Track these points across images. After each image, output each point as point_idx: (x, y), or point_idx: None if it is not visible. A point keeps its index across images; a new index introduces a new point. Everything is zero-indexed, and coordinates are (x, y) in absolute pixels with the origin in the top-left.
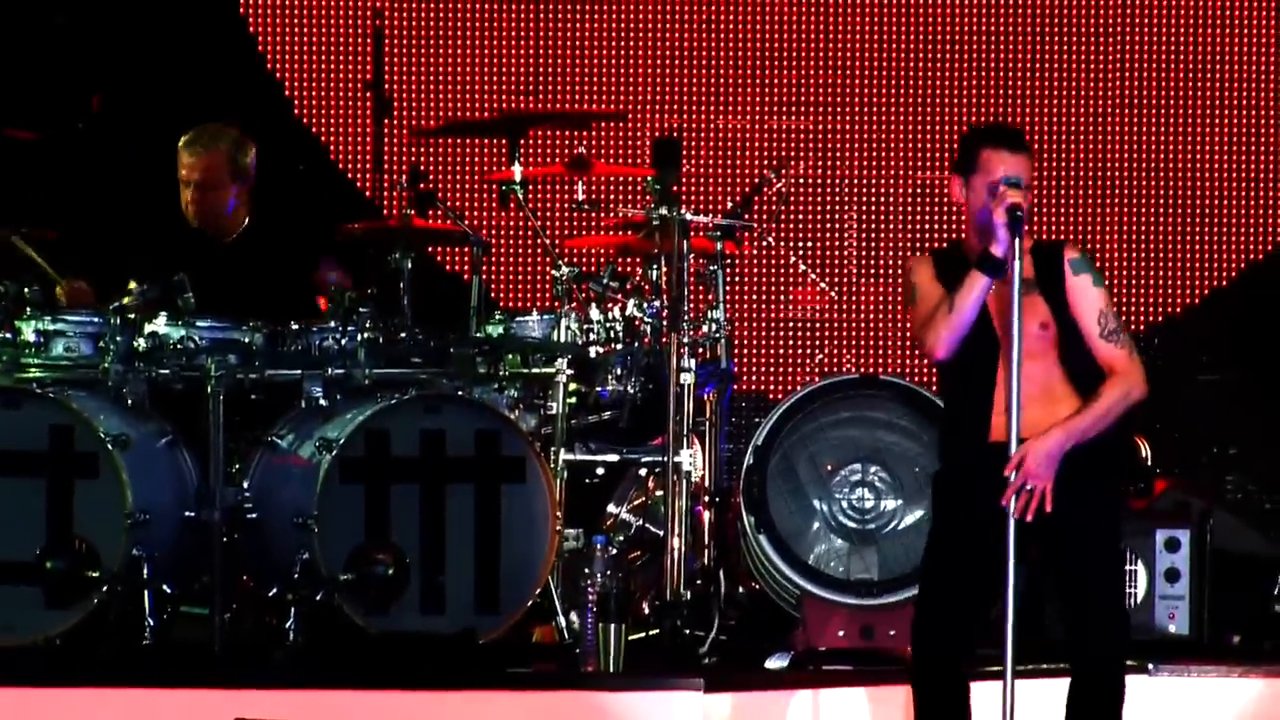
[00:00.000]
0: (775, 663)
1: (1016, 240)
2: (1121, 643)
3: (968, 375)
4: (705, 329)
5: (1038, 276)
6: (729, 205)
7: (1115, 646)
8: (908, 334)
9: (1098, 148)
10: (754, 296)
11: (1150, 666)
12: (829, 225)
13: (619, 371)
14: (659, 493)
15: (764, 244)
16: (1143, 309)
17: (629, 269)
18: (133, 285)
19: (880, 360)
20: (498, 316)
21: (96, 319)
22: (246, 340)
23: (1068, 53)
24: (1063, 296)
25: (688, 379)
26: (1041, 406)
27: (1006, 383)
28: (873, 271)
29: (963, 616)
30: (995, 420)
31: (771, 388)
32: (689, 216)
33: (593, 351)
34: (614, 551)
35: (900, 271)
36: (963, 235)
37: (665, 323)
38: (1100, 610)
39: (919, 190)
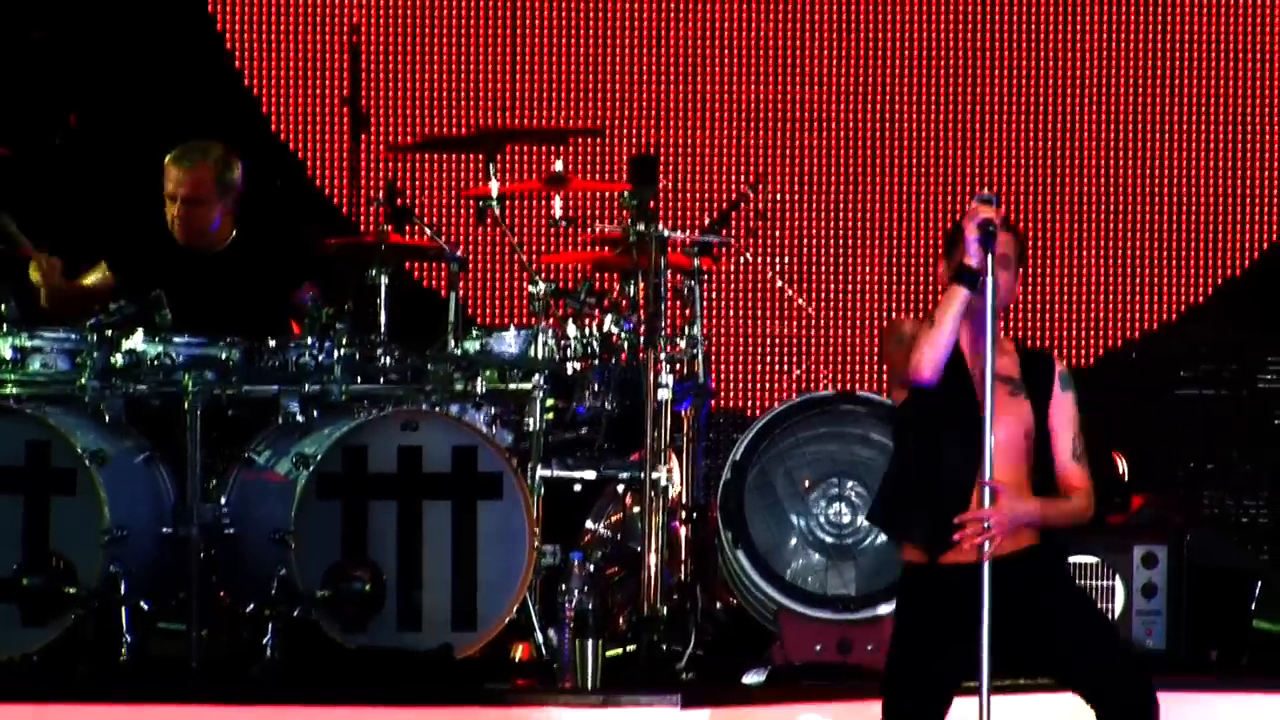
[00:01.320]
0: (752, 678)
1: (989, 255)
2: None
3: (945, 459)
4: (682, 345)
5: (1025, 380)
6: (706, 221)
7: (1148, 692)
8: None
9: (1078, 162)
10: (731, 312)
11: None
12: (806, 241)
13: (596, 388)
14: (636, 509)
15: (741, 260)
16: (1121, 324)
17: (606, 285)
18: (97, 271)
19: (857, 376)
20: (475, 333)
21: (74, 335)
22: (224, 356)
23: (1050, 69)
24: (1046, 407)
25: (665, 395)
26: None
27: (979, 451)
28: (850, 288)
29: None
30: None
31: (749, 404)
32: (666, 233)
33: (570, 368)
34: (591, 568)
35: (874, 286)
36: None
37: (642, 339)
38: (1125, 669)
39: (897, 206)
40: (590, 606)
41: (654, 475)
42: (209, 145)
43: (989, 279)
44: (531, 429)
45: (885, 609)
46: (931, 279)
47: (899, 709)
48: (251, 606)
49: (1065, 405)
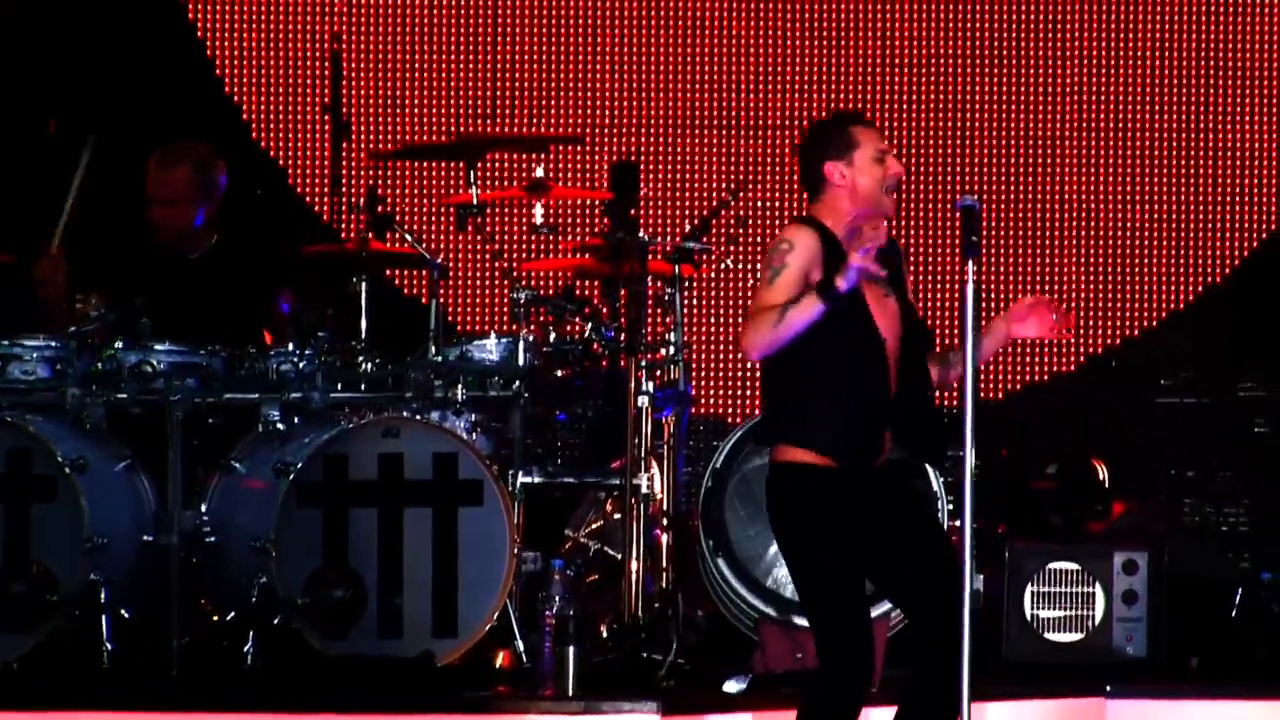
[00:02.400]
0: (733, 686)
1: (972, 247)
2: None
3: (852, 383)
4: (663, 352)
5: (890, 278)
6: (686, 228)
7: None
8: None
9: (1060, 168)
10: (712, 319)
11: (1108, 689)
12: None
13: (577, 395)
14: (617, 516)
15: (722, 267)
16: (1102, 331)
17: (587, 292)
18: (83, 305)
19: None
20: (456, 340)
21: (55, 343)
22: (205, 364)
23: (1033, 74)
24: (907, 294)
25: (646, 402)
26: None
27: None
28: None
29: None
30: (882, 430)
31: (730, 411)
32: (647, 239)
33: (550, 375)
34: (572, 575)
35: None
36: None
37: (623, 346)
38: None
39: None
40: (571, 614)
41: (635, 482)
42: (192, 146)
43: (969, 282)
44: (512, 436)
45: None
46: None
47: (849, 615)
48: (232, 614)
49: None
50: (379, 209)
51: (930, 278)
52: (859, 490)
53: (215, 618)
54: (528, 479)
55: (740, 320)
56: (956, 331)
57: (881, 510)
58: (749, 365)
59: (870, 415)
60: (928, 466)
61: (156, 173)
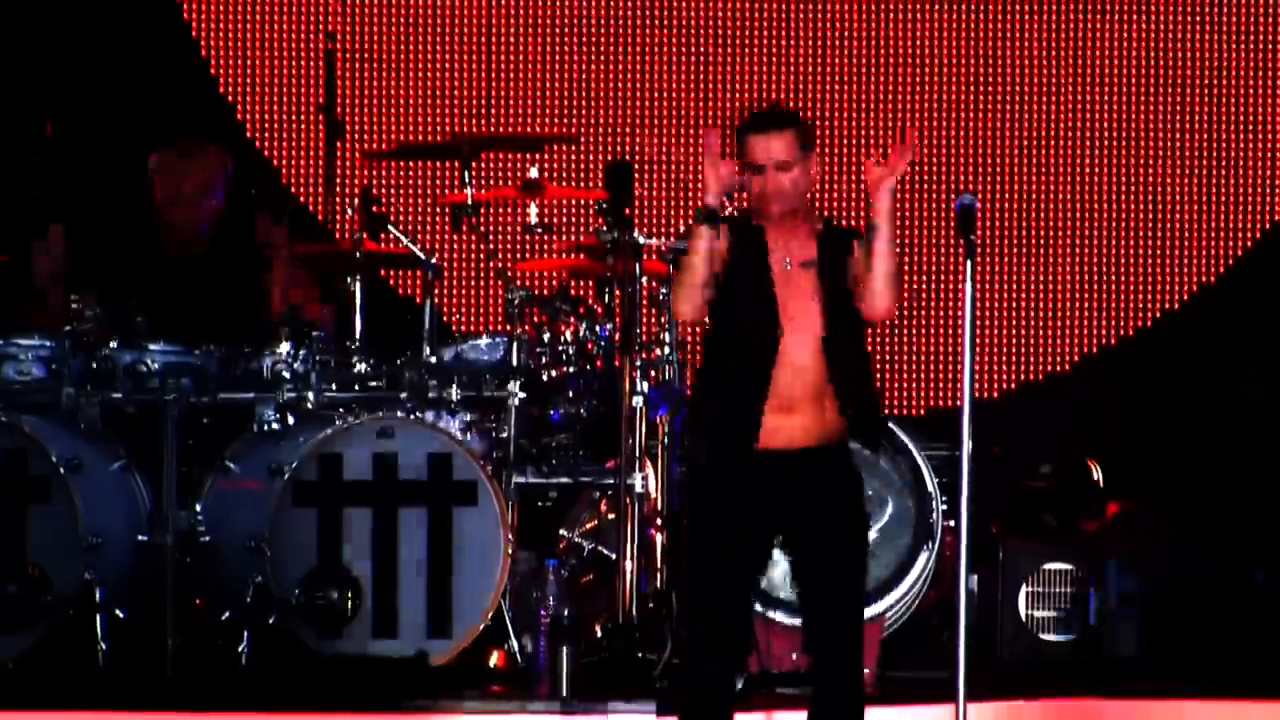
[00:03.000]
0: None
1: (968, 239)
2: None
3: (741, 364)
4: (657, 352)
5: (822, 258)
6: (681, 228)
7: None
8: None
9: (1066, 162)
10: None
11: (1102, 689)
12: None
13: (571, 394)
14: (611, 516)
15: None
16: (1100, 329)
17: (581, 292)
18: (79, 304)
19: None
20: (450, 340)
21: (50, 342)
22: (199, 364)
23: (1035, 69)
24: (841, 278)
25: (640, 402)
26: (818, 412)
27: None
28: None
29: (738, 628)
30: (767, 423)
31: None
32: (641, 240)
33: (545, 374)
34: (566, 574)
35: None
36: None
37: (617, 346)
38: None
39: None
40: (565, 613)
41: (629, 482)
42: (204, 142)
43: (968, 283)
44: (506, 436)
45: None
46: (909, 281)
47: (705, 595)
48: (227, 614)
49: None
50: (373, 209)
51: (926, 274)
52: (742, 477)
53: (210, 618)
54: (522, 479)
55: None
56: (955, 330)
57: (779, 498)
58: None
59: (746, 404)
60: (921, 463)
61: (172, 176)
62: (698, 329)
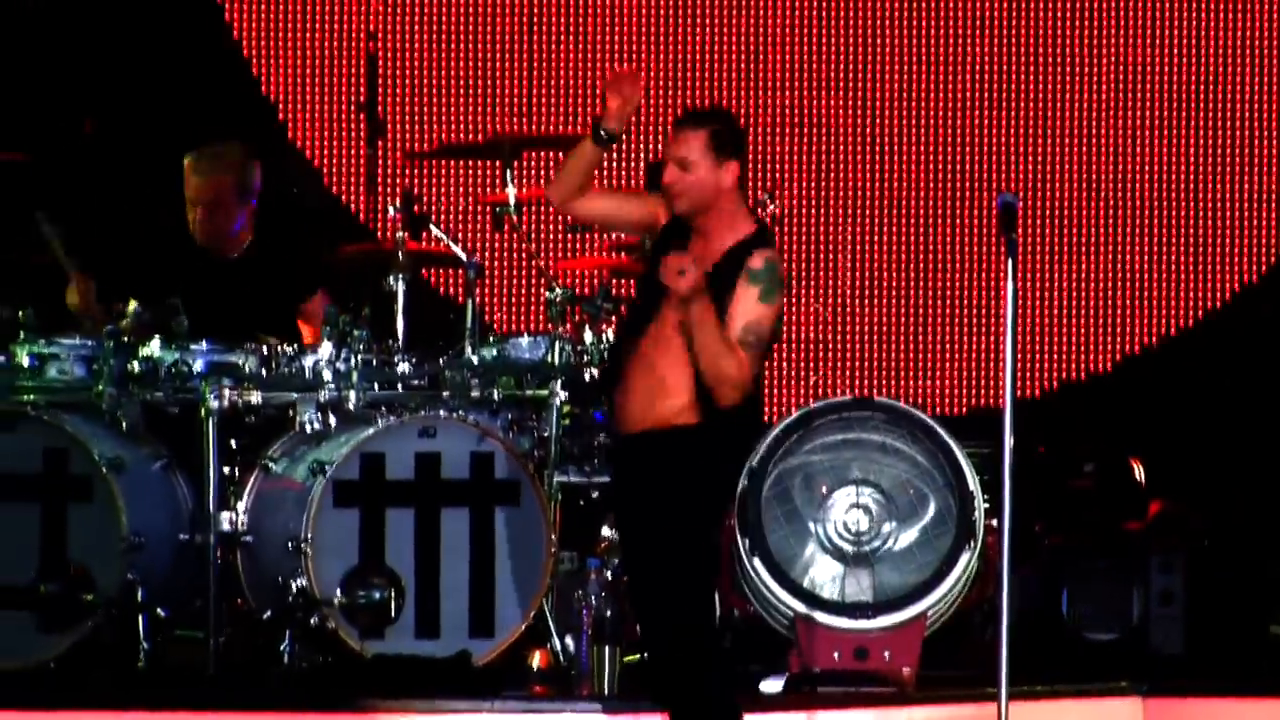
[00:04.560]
0: (770, 685)
1: (1007, 236)
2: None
3: (616, 350)
4: None
5: (716, 271)
6: None
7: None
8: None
9: (1102, 163)
10: None
11: (1145, 688)
12: (822, 247)
13: None
14: None
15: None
16: (1141, 330)
17: (623, 291)
18: (130, 307)
19: (875, 382)
20: (491, 339)
21: (91, 342)
22: (241, 363)
23: (1070, 73)
24: (725, 299)
25: None
26: (647, 398)
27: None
28: (867, 293)
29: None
30: (620, 402)
31: (766, 410)
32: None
33: (587, 374)
34: (609, 574)
35: (891, 292)
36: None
37: None
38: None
39: (911, 211)
40: (608, 613)
41: None
42: (228, 147)
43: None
44: (549, 435)
45: (904, 616)
46: (951, 281)
47: None
48: (269, 614)
49: (742, 297)
50: (415, 208)
51: (967, 274)
52: (614, 463)
53: (252, 617)
54: (564, 478)
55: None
56: (997, 329)
57: (616, 480)
58: (784, 364)
59: (612, 392)
60: (963, 462)
61: (194, 177)
62: None
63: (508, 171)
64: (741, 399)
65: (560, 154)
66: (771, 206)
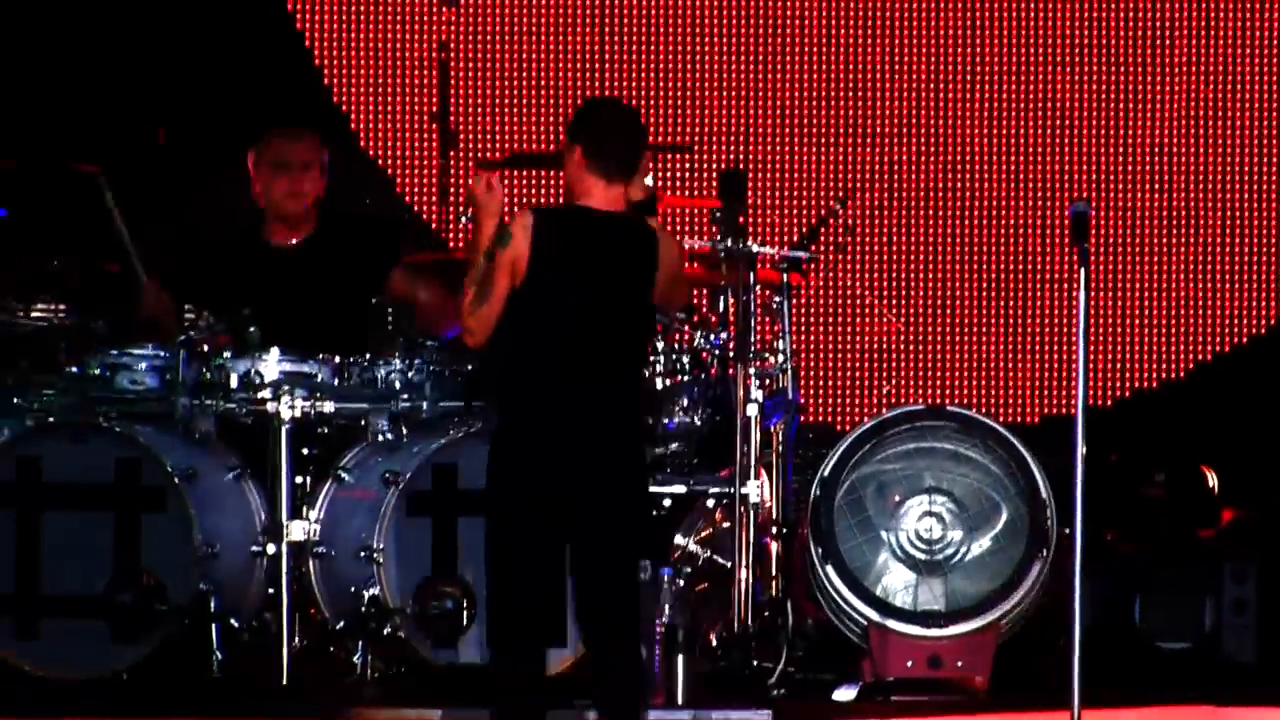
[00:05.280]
0: (843, 694)
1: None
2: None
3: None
4: (772, 360)
5: None
6: (795, 237)
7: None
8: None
9: (1168, 173)
10: (820, 328)
11: (1218, 698)
12: (895, 255)
13: (686, 403)
14: (726, 524)
15: (830, 274)
16: (1213, 336)
17: (696, 300)
18: (198, 317)
19: (947, 390)
20: None
21: (164, 352)
22: (313, 373)
23: (1144, 79)
24: None
25: (754, 410)
26: None
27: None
28: (939, 301)
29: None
30: None
31: (838, 419)
32: (755, 248)
33: (659, 383)
34: (681, 583)
35: (963, 301)
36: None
37: (732, 354)
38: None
39: (985, 219)
40: (680, 622)
41: (744, 491)
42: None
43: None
44: None
45: (976, 624)
46: (1024, 288)
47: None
48: (341, 624)
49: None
50: None
51: (1040, 282)
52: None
53: (324, 627)
54: None
55: (849, 327)
56: (1069, 337)
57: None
58: (857, 373)
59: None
60: (1035, 470)
61: (281, 141)
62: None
63: None
64: (473, 341)
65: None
66: (845, 215)
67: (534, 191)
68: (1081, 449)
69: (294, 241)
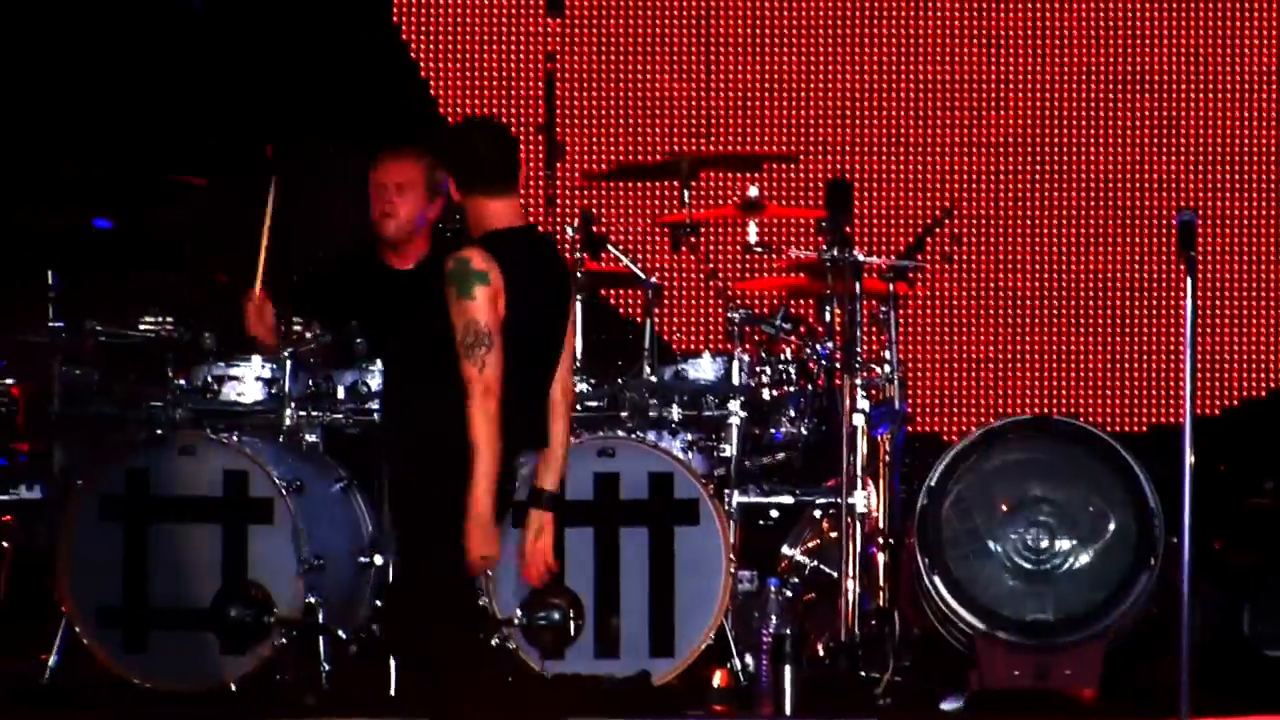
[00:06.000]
0: (950, 704)
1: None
2: None
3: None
4: (878, 370)
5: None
6: (901, 246)
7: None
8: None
9: (1274, 179)
10: (927, 337)
11: None
12: (1002, 265)
13: (792, 413)
14: (833, 534)
15: (937, 284)
16: None
17: (802, 311)
18: (305, 329)
19: (1054, 400)
20: (671, 359)
21: (271, 365)
22: None
23: (1265, 76)
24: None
25: (861, 420)
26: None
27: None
28: (1046, 311)
29: None
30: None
31: (945, 428)
32: (861, 258)
33: (766, 394)
34: (788, 593)
35: (1070, 310)
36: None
37: (838, 364)
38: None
39: (1093, 228)
40: (787, 632)
41: (850, 501)
42: (418, 147)
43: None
44: (728, 455)
45: (1083, 634)
46: (1130, 297)
47: None
48: None
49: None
50: (593, 229)
51: (1146, 291)
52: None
53: None
54: (743, 498)
55: (955, 336)
56: (1176, 346)
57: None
58: (964, 384)
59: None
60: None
61: (388, 162)
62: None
63: (685, 191)
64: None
65: (737, 175)
66: (951, 225)
67: (641, 203)
68: (1190, 458)
69: (409, 265)
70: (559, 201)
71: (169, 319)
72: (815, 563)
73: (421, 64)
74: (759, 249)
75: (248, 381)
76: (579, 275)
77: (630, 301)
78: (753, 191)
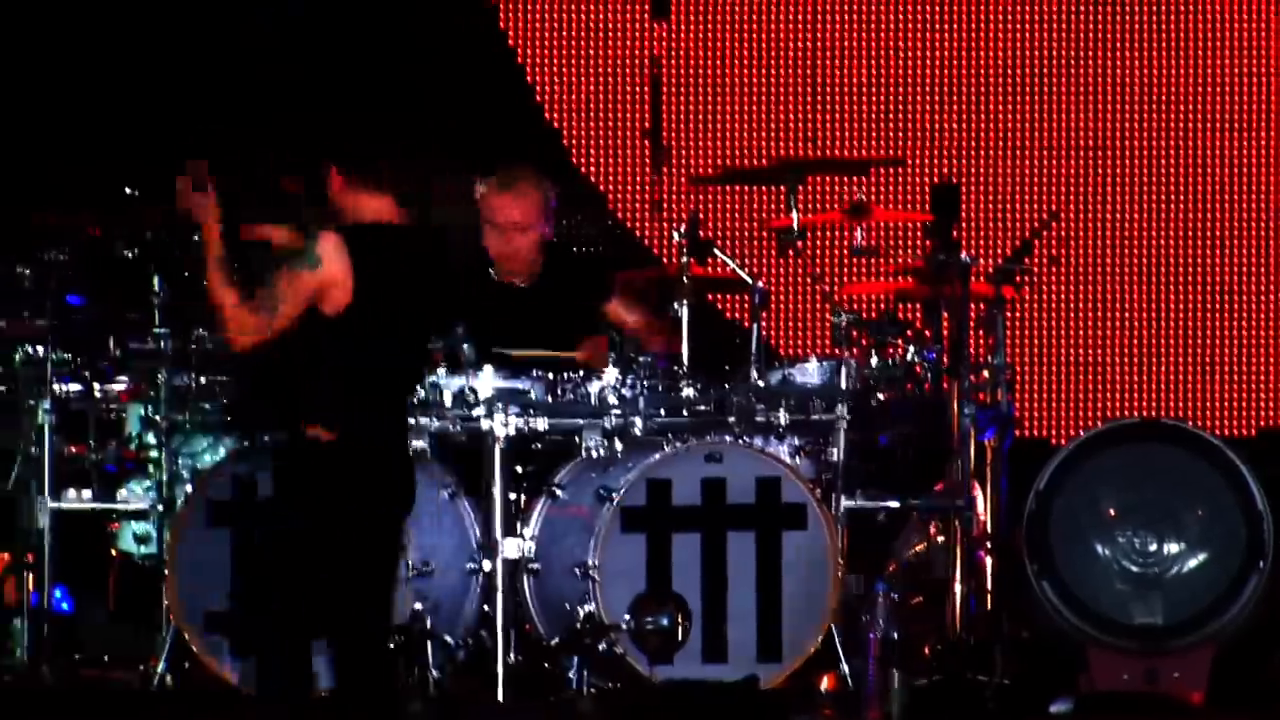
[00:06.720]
0: (1059, 708)
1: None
2: None
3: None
4: (986, 374)
5: None
6: (1008, 250)
7: None
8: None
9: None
10: (1035, 341)
11: None
12: (1110, 268)
13: (899, 418)
14: (940, 539)
15: (1044, 287)
16: None
17: (908, 315)
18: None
19: (1161, 403)
20: (777, 364)
21: None
22: (527, 391)
23: None
24: None
25: (968, 424)
26: None
27: None
28: (1154, 313)
29: None
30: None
31: (1053, 432)
32: (969, 261)
33: (873, 398)
34: (896, 597)
35: (1178, 312)
36: None
37: (945, 368)
38: None
39: (1200, 231)
40: (895, 636)
41: (958, 505)
42: (529, 171)
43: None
44: (835, 459)
45: (1193, 638)
46: (1242, 300)
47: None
48: (557, 640)
49: None
50: (700, 233)
51: (1259, 293)
52: None
53: (540, 643)
54: (851, 502)
55: (1062, 340)
56: (1272, 347)
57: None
58: (1073, 387)
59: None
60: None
61: (503, 198)
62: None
63: (792, 196)
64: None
65: (844, 179)
66: (1059, 227)
67: (748, 208)
68: None
69: (520, 284)
70: (665, 206)
71: None
72: (923, 567)
73: (527, 69)
74: (866, 253)
75: None
76: (685, 280)
77: (737, 306)
78: (859, 195)
